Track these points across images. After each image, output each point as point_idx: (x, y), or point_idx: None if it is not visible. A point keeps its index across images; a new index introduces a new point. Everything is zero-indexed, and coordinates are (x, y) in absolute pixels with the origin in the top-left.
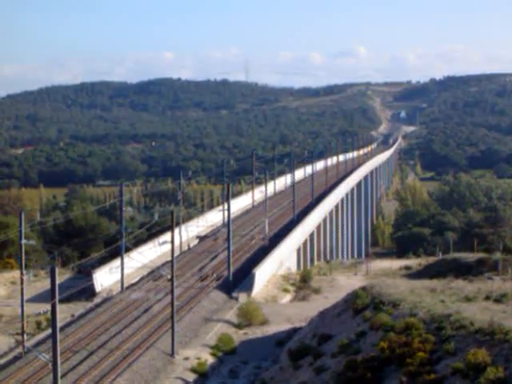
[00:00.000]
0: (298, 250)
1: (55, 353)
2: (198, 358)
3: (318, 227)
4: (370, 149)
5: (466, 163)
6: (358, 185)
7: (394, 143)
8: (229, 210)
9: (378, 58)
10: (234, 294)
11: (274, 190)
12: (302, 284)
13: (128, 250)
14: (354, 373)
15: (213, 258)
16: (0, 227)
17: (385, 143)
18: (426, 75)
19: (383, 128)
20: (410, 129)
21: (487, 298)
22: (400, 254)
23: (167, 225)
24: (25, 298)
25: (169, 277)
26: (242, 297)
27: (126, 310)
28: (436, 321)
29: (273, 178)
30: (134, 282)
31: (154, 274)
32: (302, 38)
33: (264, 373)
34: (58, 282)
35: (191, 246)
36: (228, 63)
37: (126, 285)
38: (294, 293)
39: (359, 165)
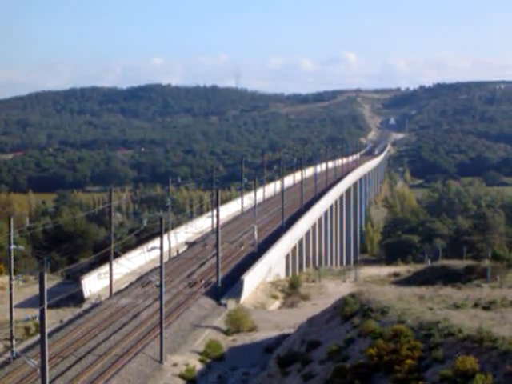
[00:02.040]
0: (287, 257)
1: (43, 358)
2: (187, 364)
3: (307, 234)
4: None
5: (456, 170)
6: (347, 192)
7: (380, 153)
8: (218, 216)
9: (368, 64)
10: (223, 301)
11: (264, 196)
12: (291, 291)
13: (117, 255)
14: (342, 379)
15: (202, 265)
16: None
17: (369, 153)
18: (415, 82)
19: (372, 135)
20: (400, 136)
21: (476, 305)
22: (389, 261)
23: (156, 231)
24: (13, 303)
25: (157, 283)
26: (231, 303)
27: (115, 315)
28: (424, 328)
29: (262, 184)
30: (122, 287)
31: (142, 280)
32: (292, 45)
33: (252, 379)
34: (46, 287)
35: (180, 252)
36: (218, 69)
37: (114, 291)
38: (283, 299)
39: (348, 172)
